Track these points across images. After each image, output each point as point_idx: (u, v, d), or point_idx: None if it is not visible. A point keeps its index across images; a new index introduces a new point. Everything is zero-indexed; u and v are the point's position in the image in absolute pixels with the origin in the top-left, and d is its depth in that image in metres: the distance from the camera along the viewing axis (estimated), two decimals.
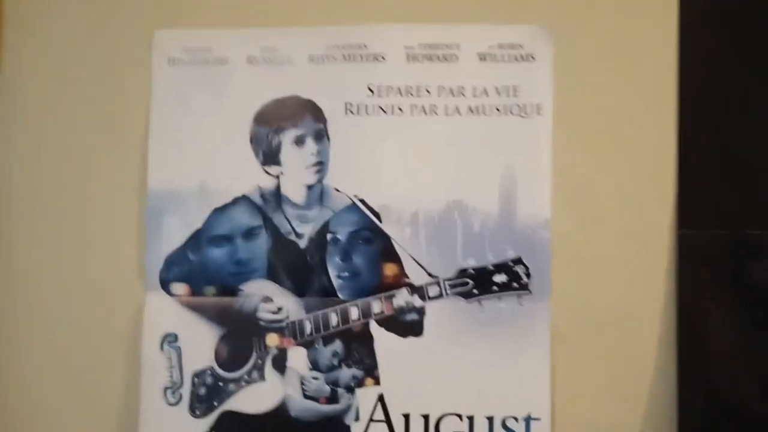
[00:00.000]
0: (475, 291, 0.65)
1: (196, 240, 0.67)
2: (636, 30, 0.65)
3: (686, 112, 0.64)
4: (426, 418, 0.65)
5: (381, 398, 0.65)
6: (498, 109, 0.66)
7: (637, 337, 0.64)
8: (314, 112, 0.67)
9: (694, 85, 0.64)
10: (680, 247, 0.64)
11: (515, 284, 0.65)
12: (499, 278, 0.65)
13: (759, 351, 0.63)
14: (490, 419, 0.65)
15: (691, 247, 0.64)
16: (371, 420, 0.65)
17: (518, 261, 0.65)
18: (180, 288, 0.67)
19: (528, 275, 0.65)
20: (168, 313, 0.67)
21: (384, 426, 0.65)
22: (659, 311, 0.64)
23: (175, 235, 0.67)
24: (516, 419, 0.64)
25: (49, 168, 0.70)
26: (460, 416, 0.65)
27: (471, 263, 0.65)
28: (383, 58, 0.66)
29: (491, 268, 0.65)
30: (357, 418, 0.65)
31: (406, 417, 0.65)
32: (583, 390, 0.65)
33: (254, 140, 0.67)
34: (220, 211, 0.67)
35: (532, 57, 0.66)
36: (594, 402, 0.65)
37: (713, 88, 0.64)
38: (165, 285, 0.67)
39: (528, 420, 0.64)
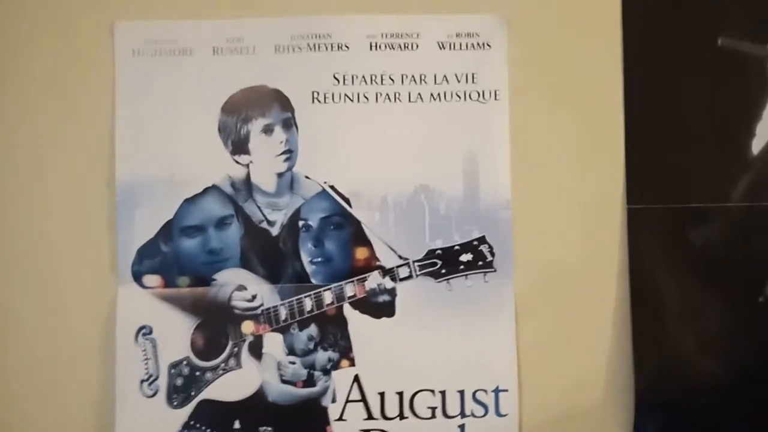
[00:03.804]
0: (443, 271, 0.67)
1: (167, 231, 0.67)
2: (583, 18, 0.69)
3: (632, 99, 0.68)
4: (400, 395, 0.67)
5: (357, 379, 0.67)
6: (458, 96, 0.68)
7: (594, 306, 0.68)
8: (281, 101, 0.68)
9: (639, 74, 0.68)
10: (630, 221, 0.68)
11: (480, 262, 0.67)
12: (465, 257, 0.67)
13: (704, 311, 0.67)
14: (461, 392, 0.67)
15: (640, 220, 0.68)
16: (348, 400, 0.67)
17: (482, 240, 0.68)
18: (153, 280, 0.67)
19: (492, 253, 0.67)
20: (141, 305, 0.66)
21: (360, 405, 0.67)
22: (614, 280, 0.68)
23: (145, 226, 0.66)
24: (485, 391, 0.67)
25: (17, 164, 0.68)
26: (432, 391, 0.67)
27: (438, 244, 0.68)
28: (347, 47, 0.68)
29: (457, 247, 0.67)
30: (334, 400, 0.67)
31: (382, 395, 0.67)
32: (548, 359, 0.68)
33: (222, 130, 0.67)
34: (190, 201, 0.67)
35: (488, 45, 0.68)
36: (557, 369, 0.68)
37: (657, 77, 0.69)
38: (137, 277, 0.66)
39: (497, 391, 0.67)
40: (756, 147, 0.68)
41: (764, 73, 0.68)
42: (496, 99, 0.68)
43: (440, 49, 0.68)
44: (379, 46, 0.68)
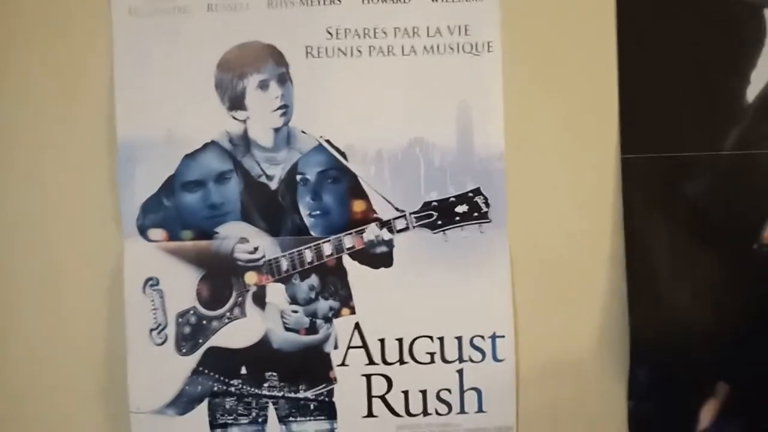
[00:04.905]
0: (439, 222, 0.69)
1: (169, 186, 0.69)
2: None
3: (626, 47, 0.68)
4: (400, 341, 0.69)
5: (357, 326, 0.69)
6: (451, 48, 0.69)
7: (589, 253, 0.69)
8: (275, 56, 0.68)
9: (633, 22, 0.68)
10: (624, 171, 0.69)
11: (476, 213, 0.69)
12: (461, 209, 0.69)
13: (698, 259, 0.68)
14: (459, 339, 0.69)
15: (635, 169, 0.68)
16: (349, 347, 0.69)
17: (477, 191, 0.69)
18: (157, 233, 0.69)
19: (487, 204, 0.69)
20: (147, 258, 0.68)
21: (362, 351, 0.69)
22: (608, 228, 0.69)
23: (148, 182, 0.68)
24: (482, 337, 0.69)
25: (17, 125, 0.70)
26: (431, 338, 0.69)
27: (434, 196, 0.69)
28: (339, 0, 0.68)
29: (453, 199, 0.69)
30: (336, 346, 0.69)
31: (382, 341, 0.69)
32: (543, 308, 0.70)
33: (219, 86, 0.68)
34: (190, 157, 0.69)
35: None
36: (553, 318, 0.70)
37: (650, 25, 0.68)
38: (142, 231, 0.69)
39: (494, 337, 0.69)
40: (750, 94, 0.68)
41: (760, 20, 0.68)
42: (489, 51, 0.69)
43: (432, 1, 0.69)
44: (372, 0, 0.68)
